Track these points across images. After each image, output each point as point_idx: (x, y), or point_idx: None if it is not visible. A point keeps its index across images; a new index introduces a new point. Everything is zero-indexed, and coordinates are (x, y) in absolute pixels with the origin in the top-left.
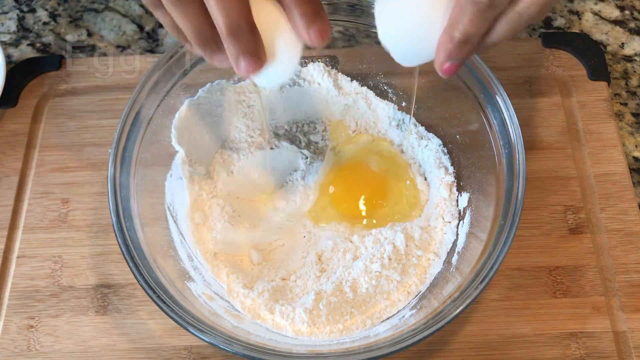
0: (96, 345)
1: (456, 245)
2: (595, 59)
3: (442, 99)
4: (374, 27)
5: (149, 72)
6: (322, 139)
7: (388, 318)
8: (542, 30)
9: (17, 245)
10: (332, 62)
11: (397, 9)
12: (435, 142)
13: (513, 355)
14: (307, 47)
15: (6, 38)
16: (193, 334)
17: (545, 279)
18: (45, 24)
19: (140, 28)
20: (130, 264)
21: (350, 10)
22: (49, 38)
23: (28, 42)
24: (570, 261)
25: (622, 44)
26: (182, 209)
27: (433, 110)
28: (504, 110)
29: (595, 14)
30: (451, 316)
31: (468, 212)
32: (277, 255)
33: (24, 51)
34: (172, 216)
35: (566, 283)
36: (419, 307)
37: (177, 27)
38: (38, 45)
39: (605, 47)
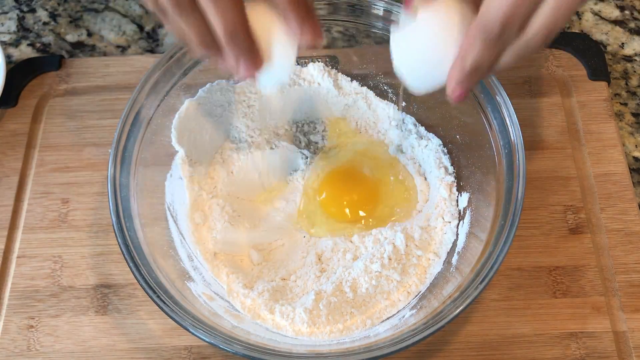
0: (96, 345)
1: (456, 245)
2: (595, 59)
3: (442, 99)
4: (374, 27)
5: (149, 72)
6: (322, 139)
7: (388, 318)
8: None
9: (17, 245)
10: (332, 62)
11: (411, 42)
12: (435, 142)
13: (513, 355)
14: (307, 48)
15: (6, 38)
16: (193, 334)
17: (545, 279)
18: (45, 24)
19: (140, 28)
20: (130, 264)
21: (350, 10)
22: (49, 38)
23: (28, 42)
24: (570, 261)
25: (622, 44)
26: (182, 209)
27: (433, 110)
28: (504, 110)
29: (595, 14)
30: (451, 316)
31: (468, 212)
32: (277, 255)
33: (24, 51)
34: (172, 216)
35: (566, 283)
36: (419, 307)
37: (184, 34)
38: (38, 45)
39: (605, 47)
